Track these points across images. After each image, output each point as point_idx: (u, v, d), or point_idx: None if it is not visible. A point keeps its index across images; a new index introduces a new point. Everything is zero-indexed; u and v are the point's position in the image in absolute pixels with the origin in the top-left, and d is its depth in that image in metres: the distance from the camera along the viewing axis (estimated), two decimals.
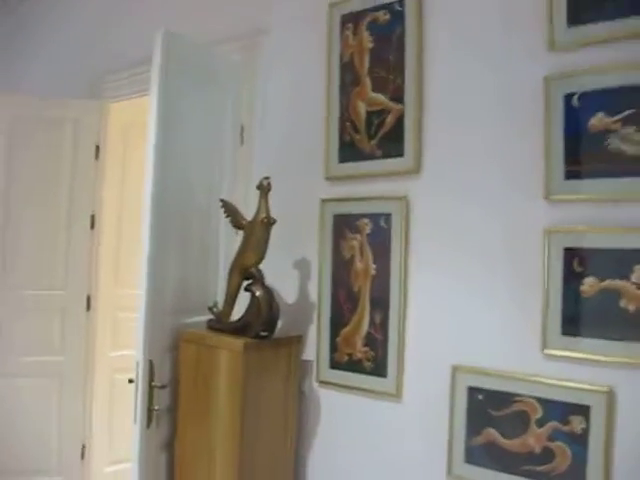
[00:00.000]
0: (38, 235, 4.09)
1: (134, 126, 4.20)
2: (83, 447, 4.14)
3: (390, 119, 2.70)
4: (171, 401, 2.81)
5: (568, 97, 2.24)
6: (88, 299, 4.16)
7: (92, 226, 4.17)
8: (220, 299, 2.92)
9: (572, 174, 2.23)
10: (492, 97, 2.44)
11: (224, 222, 2.89)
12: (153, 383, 2.67)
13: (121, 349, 4.27)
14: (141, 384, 2.63)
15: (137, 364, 2.64)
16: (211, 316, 2.85)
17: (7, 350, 4.01)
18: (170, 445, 2.82)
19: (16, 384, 4.01)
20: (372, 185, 2.76)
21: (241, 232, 2.79)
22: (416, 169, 2.61)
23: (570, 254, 2.22)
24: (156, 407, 2.67)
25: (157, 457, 2.78)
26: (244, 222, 2.77)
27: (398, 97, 2.68)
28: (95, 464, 4.20)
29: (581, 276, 2.20)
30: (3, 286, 4.04)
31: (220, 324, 2.80)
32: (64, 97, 4.19)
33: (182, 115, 2.83)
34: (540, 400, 2.25)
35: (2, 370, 4.01)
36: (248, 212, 2.78)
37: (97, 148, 4.17)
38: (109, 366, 4.24)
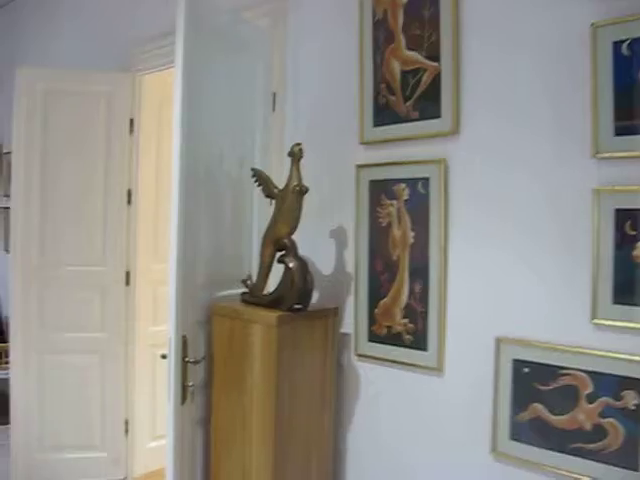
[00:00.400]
0: (76, 212, 4.06)
1: (168, 100, 4.11)
2: (126, 423, 4.14)
3: (426, 78, 2.55)
4: (206, 376, 2.75)
5: (617, 45, 2.05)
6: (127, 275, 4.13)
7: (129, 201, 4.12)
8: (254, 271, 2.84)
9: (623, 129, 2.05)
10: (535, 48, 2.26)
11: (257, 192, 2.79)
12: (186, 359, 2.60)
13: (161, 324, 4.22)
14: (174, 360, 2.56)
15: (169, 340, 2.58)
16: (245, 289, 2.77)
17: (49, 327, 4.02)
18: (206, 421, 2.77)
19: (59, 361, 4.02)
20: (409, 149, 2.61)
21: (274, 202, 2.69)
22: (454, 130, 2.46)
23: (622, 216, 2.06)
24: (190, 383, 2.60)
25: (193, 433, 2.73)
26: (276, 191, 2.67)
27: (434, 55, 2.52)
28: (139, 439, 4.20)
29: (634, 240, 2.04)
30: (44, 263, 4.04)
31: (254, 297, 2.71)
32: (95, 69, 4.14)
33: (210, 83, 2.73)
34: (590, 373, 2.10)
35: (46, 347, 4.02)
36: (281, 181, 2.68)
37: (131, 122, 4.11)
38: (150, 341, 4.22)
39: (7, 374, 4.20)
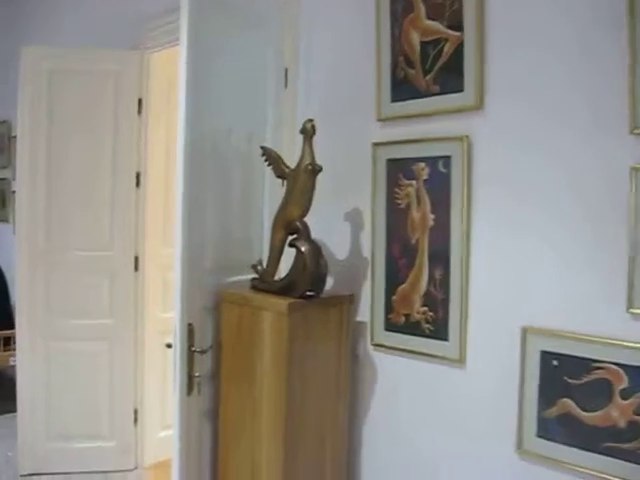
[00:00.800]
0: (83, 195, 3.93)
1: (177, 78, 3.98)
2: (135, 411, 4.03)
3: (447, 49, 2.38)
4: (213, 366, 2.61)
5: None
6: (136, 259, 4.00)
7: (137, 184, 3.98)
8: (264, 256, 2.69)
9: None
10: (566, 15, 2.08)
11: (268, 172, 2.64)
12: (193, 348, 2.47)
13: (171, 310, 4.08)
14: (179, 349, 2.44)
15: (175, 328, 2.45)
16: (255, 275, 2.63)
17: (57, 313, 3.91)
18: (213, 412, 2.64)
19: (67, 347, 3.91)
20: (429, 125, 2.45)
21: (285, 182, 2.54)
22: (478, 105, 2.29)
23: None
24: (197, 374, 2.48)
25: (200, 425, 2.61)
26: (287, 170, 2.52)
27: (456, 24, 2.35)
28: (148, 429, 4.09)
29: None
30: (51, 248, 3.92)
31: (264, 283, 2.57)
32: (102, 47, 4.00)
33: (218, 59, 2.60)
34: (625, 367, 1.94)
35: (52, 333, 3.91)
36: (293, 160, 2.52)
37: (140, 102, 3.96)
38: (160, 328, 4.09)
39: (15, 361, 4.10)
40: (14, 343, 4.22)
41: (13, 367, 4.13)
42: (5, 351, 5.01)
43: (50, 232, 3.91)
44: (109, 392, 3.99)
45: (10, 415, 4.24)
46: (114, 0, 4.28)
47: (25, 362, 3.91)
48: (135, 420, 4.03)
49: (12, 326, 4.36)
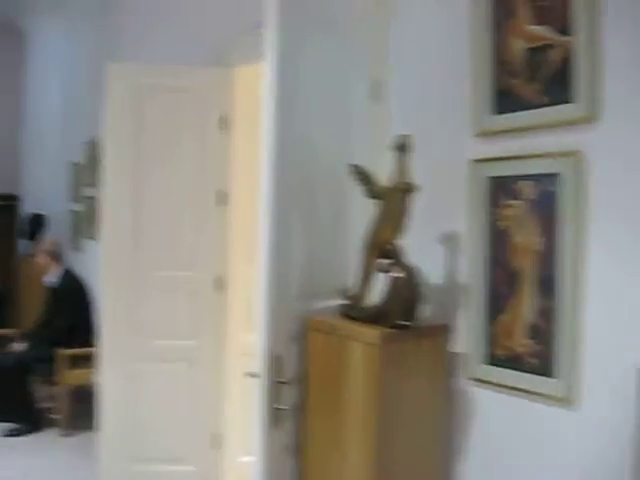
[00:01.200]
0: (166, 213, 3.91)
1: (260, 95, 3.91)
2: (215, 436, 3.93)
3: (555, 56, 2.16)
4: (299, 399, 2.46)
5: None
6: (219, 280, 3.92)
7: (222, 203, 3.91)
8: (354, 281, 2.53)
9: None
10: None
11: (357, 190, 2.48)
12: (277, 379, 2.33)
13: (254, 332, 4.00)
14: (264, 380, 2.30)
15: (260, 357, 2.32)
16: (343, 301, 2.46)
17: (137, 333, 3.91)
18: (298, 448, 2.49)
19: (146, 368, 3.89)
20: (534, 140, 2.22)
21: (377, 202, 2.38)
22: (592, 117, 2.06)
23: None
24: (282, 406, 2.33)
25: (283, 460, 2.46)
26: (379, 190, 2.35)
27: (565, 28, 2.12)
28: (229, 454, 3.99)
29: None
30: (135, 267, 3.92)
31: (353, 310, 2.41)
32: (189, 65, 3.97)
33: (303, 73, 2.48)
34: None
35: (132, 354, 3.90)
36: (384, 179, 2.36)
37: (223, 118, 3.89)
38: (243, 350, 3.99)
39: (96, 379, 4.10)
40: (96, 361, 4.21)
41: (93, 385, 4.12)
42: (87, 368, 5.02)
43: (134, 251, 3.89)
44: (189, 415, 3.93)
45: (88, 433, 4.24)
46: (198, 16, 4.25)
47: (107, 381, 3.89)
48: (215, 444, 3.93)
49: (94, 344, 4.38)
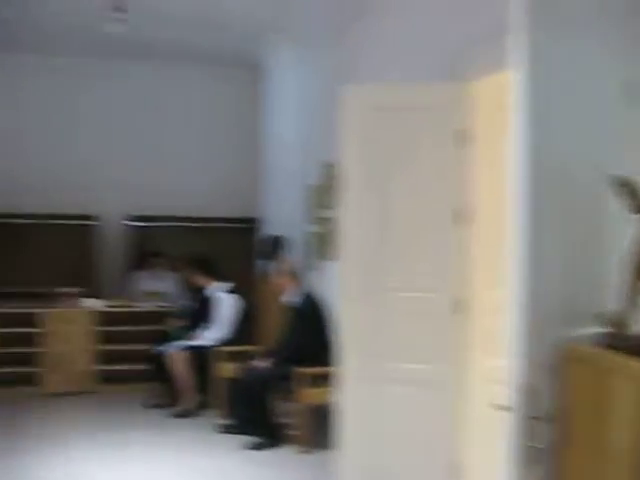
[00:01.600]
0: (404, 233, 3.87)
1: (504, 105, 3.72)
2: (454, 466, 3.75)
3: None
4: (554, 436, 2.22)
5: None
6: (458, 302, 3.77)
7: (460, 221, 3.76)
8: (616, 306, 2.24)
9: None
10: None
11: (617, 203, 2.21)
12: (531, 414, 2.12)
13: (499, 357, 3.79)
14: (515, 414, 2.11)
15: (512, 389, 2.13)
16: (604, 327, 2.19)
17: (376, 355, 3.87)
18: None
19: (384, 390, 3.86)
20: None
21: None
22: None
23: None
24: (536, 444, 2.11)
25: None
26: None
27: None
28: None
29: None
30: (373, 288, 3.92)
31: (616, 339, 2.12)
32: (421, 80, 3.91)
33: (553, 79, 2.28)
34: None
35: (371, 375, 3.89)
36: None
37: (461, 134, 3.76)
38: (486, 377, 3.78)
39: (334, 399, 4.11)
40: (333, 380, 4.25)
41: (331, 404, 4.14)
42: (325, 387, 5.08)
43: (372, 271, 3.90)
44: (426, 440, 3.81)
45: (325, 451, 4.26)
46: (428, 30, 4.19)
47: (347, 401, 3.91)
48: (452, 475, 3.76)
49: (332, 363, 4.42)
